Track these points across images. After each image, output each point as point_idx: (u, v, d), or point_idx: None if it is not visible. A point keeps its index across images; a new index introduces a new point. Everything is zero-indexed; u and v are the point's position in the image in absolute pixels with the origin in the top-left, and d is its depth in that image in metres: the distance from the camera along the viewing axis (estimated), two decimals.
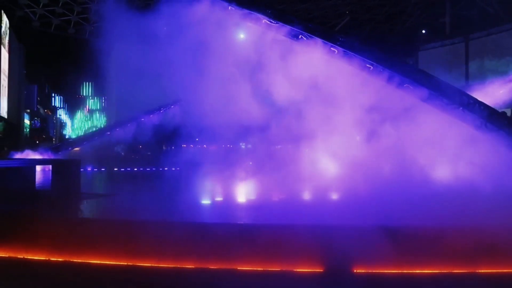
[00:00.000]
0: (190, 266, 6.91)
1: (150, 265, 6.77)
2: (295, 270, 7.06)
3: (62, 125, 46.41)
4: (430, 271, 6.93)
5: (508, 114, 29.28)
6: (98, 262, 6.63)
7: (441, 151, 12.72)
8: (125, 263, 6.74)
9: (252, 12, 9.78)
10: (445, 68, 33.72)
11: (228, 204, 11.52)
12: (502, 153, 12.43)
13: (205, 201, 11.16)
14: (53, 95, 46.40)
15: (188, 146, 41.70)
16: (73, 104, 48.15)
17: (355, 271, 7.00)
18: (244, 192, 12.88)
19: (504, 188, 10.25)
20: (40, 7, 35.37)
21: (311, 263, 7.06)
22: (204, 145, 41.39)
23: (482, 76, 28.86)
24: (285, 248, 7.17)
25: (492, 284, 6.80)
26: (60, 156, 24.85)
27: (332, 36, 10.03)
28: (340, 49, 9.83)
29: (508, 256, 6.85)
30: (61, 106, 47.45)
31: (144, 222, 7.38)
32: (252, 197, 12.46)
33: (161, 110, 29.64)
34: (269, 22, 9.73)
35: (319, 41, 9.86)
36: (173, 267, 6.84)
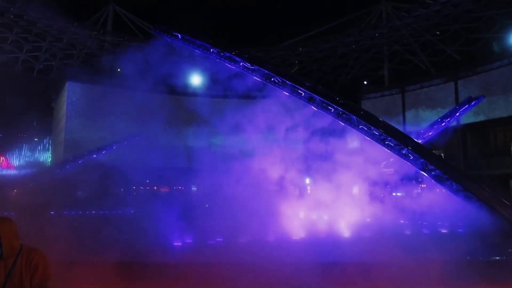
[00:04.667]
0: None
1: None
2: None
3: None
4: None
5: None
6: None
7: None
8: None
9: (232, 55, 10.68)
10: (385, 116, 36.81)
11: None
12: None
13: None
14: None
15: (138, 187, 40.56)
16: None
17: None
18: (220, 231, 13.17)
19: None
20: None
21: None
22: (155, 187, 40.55)
23: (417, 125, 31.89)
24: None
25: None
26: None
27: (299, 80, 11.16)
28: (306, 91, 10.94)
29: None
30: None
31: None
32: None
33: (113, 147, 28.20)
34: (246, 65, 10.66)
35: (288, 83, 10.91)
36: None
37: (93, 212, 23.77)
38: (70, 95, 36.62)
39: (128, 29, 39.65)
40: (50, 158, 40.23)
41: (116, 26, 40.60)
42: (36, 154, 45.97)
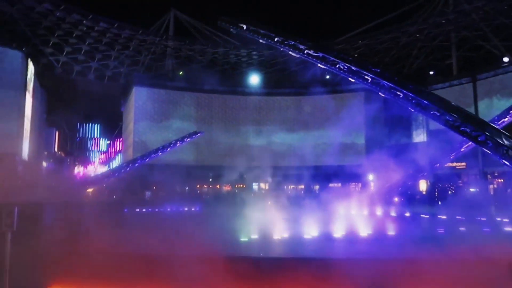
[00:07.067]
0: None
1: None
2: None
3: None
4: None
5: None
6: None
7: None
8: None
9: (296, 43, 10.63)
10: None
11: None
12: None
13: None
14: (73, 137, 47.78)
15: (202, 186, 41.73)
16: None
17: None
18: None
19: None
20: (63, 54, 37.33)
21: None
22: (217, 185, 41.50)
23: (492, 115, 29.44)
24: None
25: None
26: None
27: (365, 66, 10.80)
28: (373, 77, 10.54)
29: None
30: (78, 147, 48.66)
31: None
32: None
33: (176, 143, 28.21)
34: (310, 52, 10.54)
35: (354, 69, 10.60)
36: None
37: (162, 209, 24.84)
38: (137, 99, 38.71)
39: (189, 33, 41.02)
40: (121, 159, 42.76)
41: (177, 31, 42.21)
42: (109, 156, 48.92)
